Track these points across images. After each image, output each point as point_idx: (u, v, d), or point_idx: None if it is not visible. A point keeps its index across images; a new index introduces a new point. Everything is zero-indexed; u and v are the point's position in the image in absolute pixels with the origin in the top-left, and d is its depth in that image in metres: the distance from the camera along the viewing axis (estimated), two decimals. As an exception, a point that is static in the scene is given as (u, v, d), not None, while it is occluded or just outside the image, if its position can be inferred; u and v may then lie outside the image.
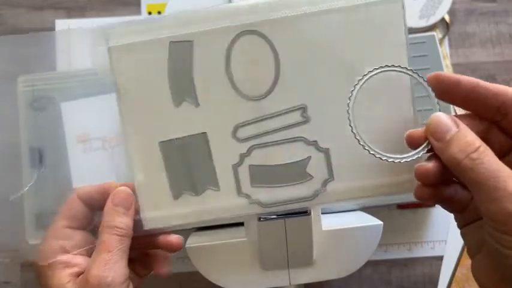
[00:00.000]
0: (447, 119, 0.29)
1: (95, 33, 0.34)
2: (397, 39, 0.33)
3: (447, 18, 0.52)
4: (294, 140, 0.34)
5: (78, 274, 0.33)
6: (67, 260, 0.33)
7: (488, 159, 0.27)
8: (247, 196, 0.35)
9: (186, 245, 0.37)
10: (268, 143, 0.34)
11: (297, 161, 0.35)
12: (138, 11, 0.52)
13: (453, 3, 0.51)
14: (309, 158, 0.34)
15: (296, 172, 0.35)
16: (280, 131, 0.34)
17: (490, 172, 0.26)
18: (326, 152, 0.34)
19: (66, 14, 0.52)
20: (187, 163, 0.34)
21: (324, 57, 0.34)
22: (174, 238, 0.36)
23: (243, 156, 0.34)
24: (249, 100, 0.34)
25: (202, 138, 0.34)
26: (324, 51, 0.34)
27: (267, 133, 0.34)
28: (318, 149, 0.34)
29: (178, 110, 0.34)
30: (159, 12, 0.52)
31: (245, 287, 0.40)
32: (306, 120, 0.34)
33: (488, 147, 0.27)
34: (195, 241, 0.38)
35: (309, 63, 0.34)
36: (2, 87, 0.50)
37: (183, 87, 0.34)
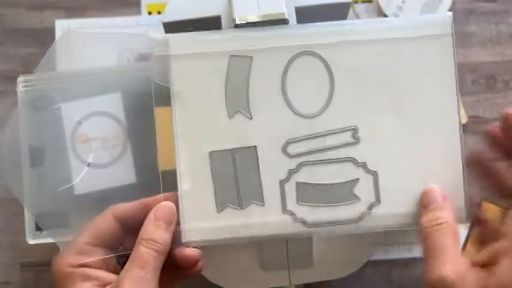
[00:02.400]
0: (436, 193, 0.34)
1: (155, 40, 0.35)
2: (447, 71, 0.35)
3: (447, 18, 0.52)
4: (344, 160, 0.35)
5: (99, 287, 0.32)
6: (87, 273, 0.33)
7: (441, 236, 0.32)
8: (292, 214, 0.35)
9: (186, 245, 0.37)
10: (317, 161, 0.35)
11: (345, 182, 0.35)
12: (138, 11, 0.52)
13: (453, 3, 0.51)
14: (357, 180, 0.35)
15: (343, 193, 0.35)
16: (330, 150, 0.35)
17: (437, 246, 0.31)
18: (374, 175, 0.35)
19: (65, 14, 0.52)
20: (235, 175, 0.34)
21: (377, 83, 0.35)
22: (190, 251, 0.34)
23: (291, 173, 0.34)
24: (302, 117, 0.34)
25: (252, 151, 0.34)
26: (377, 77, 0.35)
27: (317, 151, 0.35)
28: (367, 171, 0.35)
29: (231, 122, 0.35)
30: (159, 12, 0.52)
31: (245, 287, 0.40)
32: (356, 142, 0.35)
33: (453, 227, 0.32)
34: (195, 241, 0.38)
35: (362, 86, 0.35)
36: (2, 87, 0.50)
37: (238, 100, 0.34)
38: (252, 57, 0.34)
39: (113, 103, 0.41)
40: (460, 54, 0.52)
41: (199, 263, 0.35)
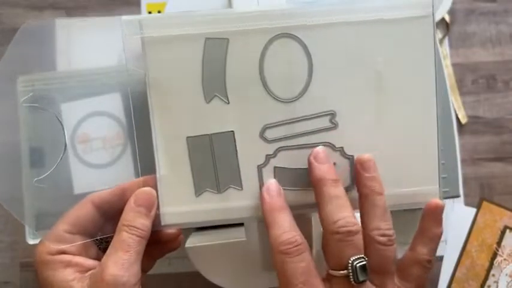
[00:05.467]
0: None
1: (129, 23, 0.34)
2: (426, 54, 0.34)
3: (447, 18, 0.52)
4: (321, 144, 0.34)
5: (81, 273, 0.33)
6: (67, 259, 0.33)
7: None
8: None
9: (186, 245, 0.37)
10: (295, 145, 0.34)
11: None
12: (138, 11, 0.52)
13: (453, 3, 0.51)
14: (334, 164, 0.34)
15: None
16: (308, 135, 0.35)
17: None
18: (351, 159, 0.35)
19: (65, 14, 0.52)
20: (213, 160, 0.34)
21: (356, 66, 0.34)
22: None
23: (268, 158, 0.34)
24: (280, 102, 0.34)
25: (230, 136, 0.34)
26: (356, 60, 0.34)
27: (295, 136, 0.34)
28: (343, 155, 0.35)
29: (208, 106, 0.34)
30: (159, 12, 0.52)
31: (245, 287, 0.40)
32: (334, 126, 0.34)
33: None
34: (195, 241, 0.38)
35: (341, 70, 0.34)
36: (2, 87, 0.50)
37: (214, 84, 0.34)
38: (228, 39, 0.34)
39: (113, 103, 0.41)
40: (460, 54, 0.52)
41: (179, 238, 0.36)
